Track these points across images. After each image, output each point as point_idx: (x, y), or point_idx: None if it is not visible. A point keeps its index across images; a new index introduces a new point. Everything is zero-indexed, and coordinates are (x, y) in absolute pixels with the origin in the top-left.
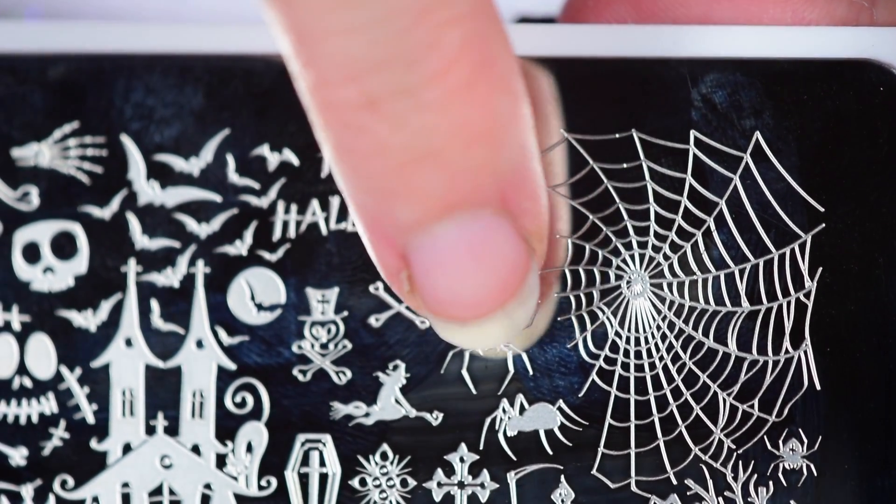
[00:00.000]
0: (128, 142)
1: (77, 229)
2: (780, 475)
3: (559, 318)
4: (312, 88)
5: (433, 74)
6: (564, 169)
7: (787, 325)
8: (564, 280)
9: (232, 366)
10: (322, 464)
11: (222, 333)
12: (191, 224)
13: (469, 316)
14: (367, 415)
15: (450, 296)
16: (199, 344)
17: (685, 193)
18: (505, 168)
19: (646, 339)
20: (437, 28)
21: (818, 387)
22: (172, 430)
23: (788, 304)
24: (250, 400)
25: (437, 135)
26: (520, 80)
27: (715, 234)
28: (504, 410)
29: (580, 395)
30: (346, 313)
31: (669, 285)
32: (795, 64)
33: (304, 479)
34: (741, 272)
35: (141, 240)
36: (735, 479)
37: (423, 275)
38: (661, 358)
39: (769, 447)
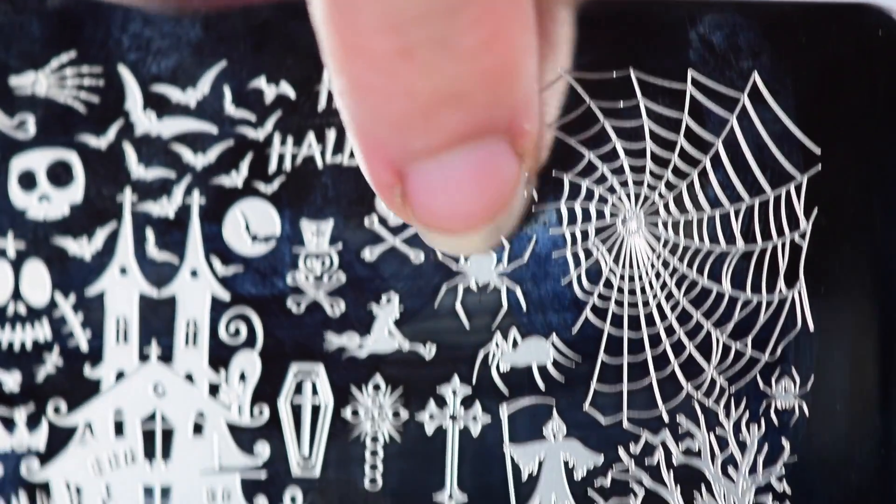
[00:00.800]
0: (125, 72)
1: (73, 158)
2: (772, 414)
3: (554, 255)
4: (342, 34)
5: (470, 23)
6: (562, 107)
7: (782, 266)
8: (560, 216)
9: (226, 296)
10: (315, 394)
11: (217, 263)
12: (187, 155)
13: (461, 228)
14: (360, 346)
15: (446, 211)
16: (194, 273)
17: (682, 133)
18: (518, 100)
19: (640, 276)
20: None
21: (811, 327)
22: (166, 358)
23: (783, 244)
24: (244, 329)
25: (466, 79)
26: (531, 8)
27: (711, 174)
28: (497, 345)
29: (573, 331)
30: (340, 246)
31: (664, 223)
32: (794, 6)
33: (296, 409)
34: (736, 212)
35: (137, 169)
36: (727, 416)
37: (421, 193)
38: (655, 296)
39: (761, 386)
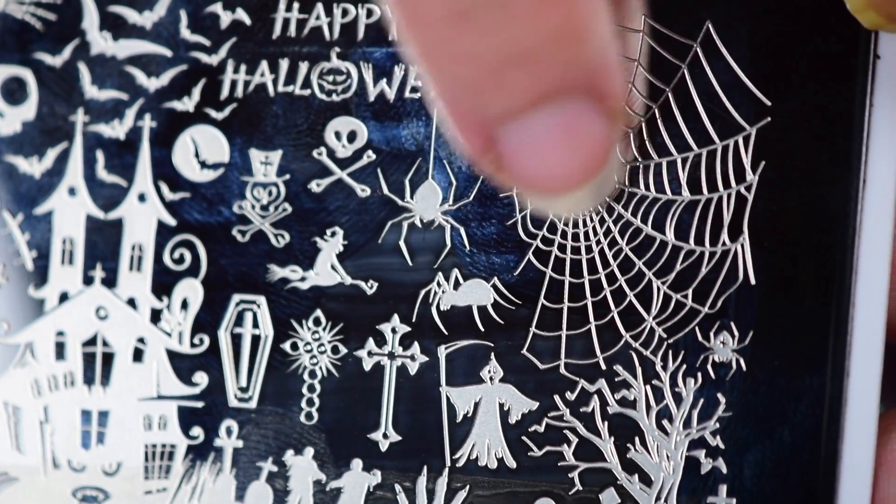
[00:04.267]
0: None
1: (28, 75)
2: (709, 367)
3: (500, 195)
4: (401, 3)
5: None
6: None
7: (726, 218)
8: None
9: (172, 221)
10: (255, 325)
11: (165, 189)
12: (140, 77)
13: (559, 189)
14: (302, 279)
15: (541, 173)
16: (142, 198)
17: (632, 79)
18: (592, 59)
19: (584, 221)
20: None
21: (753, 281)
22: (110, 282)
23: (729, 196)
24: (188, 257)
25: (528, 40)
26: None
27: (660, 122)
28: (439, 284)
29: (515, 274)
30: (287, 176)
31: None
32: None
33: (236, 340)
34: (684, 161)
35: (90, 90)
36: (664, 368)
37: (513, 156)
38: (599, 242)
39: (700, 339)
